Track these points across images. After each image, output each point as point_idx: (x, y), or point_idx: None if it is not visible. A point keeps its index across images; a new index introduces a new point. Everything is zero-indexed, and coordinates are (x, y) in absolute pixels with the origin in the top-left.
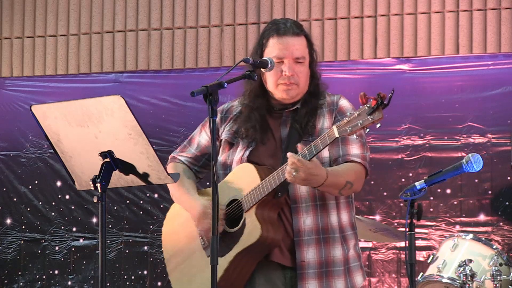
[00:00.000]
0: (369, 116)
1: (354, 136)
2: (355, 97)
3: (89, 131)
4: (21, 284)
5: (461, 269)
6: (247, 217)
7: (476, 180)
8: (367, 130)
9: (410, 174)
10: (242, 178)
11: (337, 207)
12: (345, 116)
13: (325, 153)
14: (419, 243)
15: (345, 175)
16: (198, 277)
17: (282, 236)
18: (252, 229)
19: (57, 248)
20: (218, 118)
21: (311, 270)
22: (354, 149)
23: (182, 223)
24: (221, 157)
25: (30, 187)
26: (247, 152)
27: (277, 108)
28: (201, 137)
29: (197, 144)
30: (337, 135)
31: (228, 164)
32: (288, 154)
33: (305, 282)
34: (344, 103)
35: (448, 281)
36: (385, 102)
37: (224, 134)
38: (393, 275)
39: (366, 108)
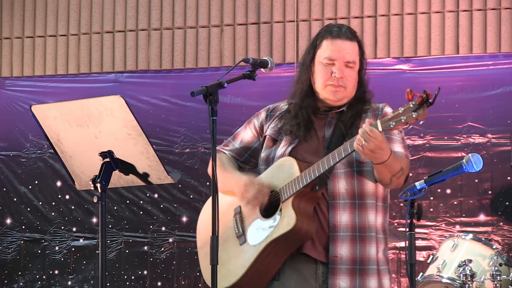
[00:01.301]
0: (413, 113)
1: (398, 137)
2: None
3: (89, 131)
4: (21, 284)
5: (461, 269)
6: (283, 207)
7: (476, 180)
8: (410, 126)
9: (410, 174)
10: (282, 170)
11: (375, 208)
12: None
13: None
14: (419, 243)
15: (401, 161)
16: (228, 264)
17: (316, 229)
18: (287, 218)
19: (57, 248)
20: (263, 116)
21: (343, 266)
22: (398, 147)
23: (220, 213)
24: (264, 152)
25: (30, 187)
26: (290, 148)
27: (323, 109)
28: (245, 133)
29: (240, 139)
30: (380, 129)
31: (270, 159)
32: (364, 125)
33: (337, 277)
34: (388, 109)
35: (448, 281)
36: (430, 101)
37: (268, 130)
38: (393, 275)
39: (411, 105)
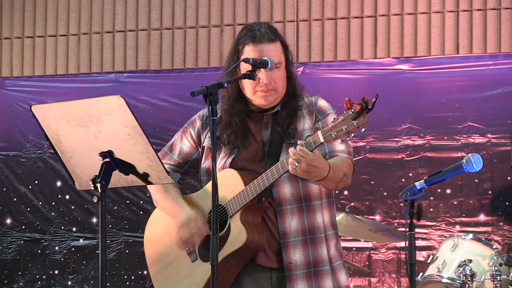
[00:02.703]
0: (354, 121)
1: None
2: (355, 97)
3: (89, 131)
4: (21, 284)
5: (461, 269)
6: (232, 222)
7: (476, 180)
8: (352, 134)
9: (410, 174)
10: (226, 183)
11: (321, 207)
12: (326, 115)
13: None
14: (419, 243)
15: (342, 168)
16: (183, 282)
17: (266, 239)
18: (237, 234)
19: (57, 248)
20: (199, 125)
21: (299, 271)
22: (339, 146)
23: (166, 227)
24: (204, 163)
25: (30, 187)
26: (230, 159)
27: (256, 112)
28: (183, 143)
29: (178, 151)
30: (322, 140)
31: (211, 171)
32: (290, 148)
33: (294, 283)
34: (322, 103)
35: (448, 281)
36: (369, 107)
37: (206, 140)
38: (393, 275)
39: (351, 113)
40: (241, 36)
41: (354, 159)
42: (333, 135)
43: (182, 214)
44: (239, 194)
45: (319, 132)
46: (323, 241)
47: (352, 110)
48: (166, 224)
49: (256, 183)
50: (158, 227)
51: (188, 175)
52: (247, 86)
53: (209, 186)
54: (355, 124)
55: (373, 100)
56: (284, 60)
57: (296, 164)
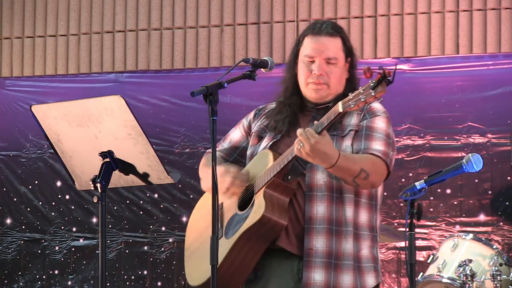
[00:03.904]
0: (372, 91)
1: (380, 134)
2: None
3: (89, 131)
4: (21, 284)
5: (461, 269)
6: (256, 199)
7: (476, 180)
8: (369, 105)
9: (410, 174)
10: (259, 164)
11: (355, 204)
12: (374, 116)
13: (347, 143)
14: (419, 243)
15: (361, 162)
16: (206, 259)
17: (289, 221)
18: (256, 209)
19: (57, 248)
20: (252, 115)
21: (318, 259)
22: (377, 145)
23: (205, 212)
24: (249, 150)
25: (30, 187)
26: (271, 143)
27: (310, 107)
28: (234, 133)
29: (229, 140)
30: (341, 110)
31: (254, 156)
32: (299, 129)
33: (311, 270)
34: (376, 105)
35: (448, 281)
36: (389, 78)
37: (254, 128)
38: (393, 275)
39: (371, 84)
40: (305, 29)
41: None
42: (352, 105)
43: (220, 169)
44: (266, 171)
45: (339, 102)
46: (350, 236)
47: (373, 81)
48: (206, 209)
49: (280, 159)
50: (198, 213)
51: (238, 165)
52: (301, 77)
53: (245, 168)
54: (372, 94)
55: (394, 70)
56: (344, 58)
57: (301, 144)
